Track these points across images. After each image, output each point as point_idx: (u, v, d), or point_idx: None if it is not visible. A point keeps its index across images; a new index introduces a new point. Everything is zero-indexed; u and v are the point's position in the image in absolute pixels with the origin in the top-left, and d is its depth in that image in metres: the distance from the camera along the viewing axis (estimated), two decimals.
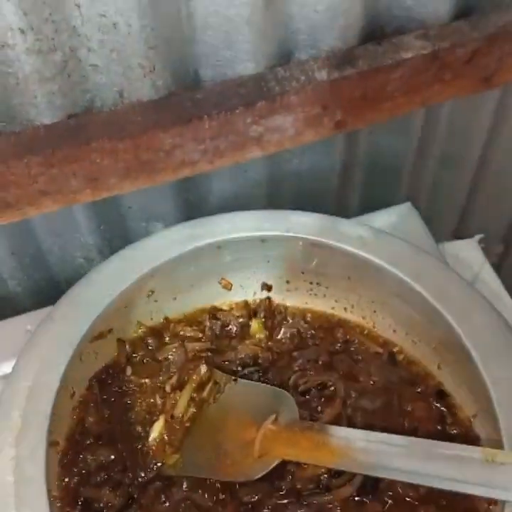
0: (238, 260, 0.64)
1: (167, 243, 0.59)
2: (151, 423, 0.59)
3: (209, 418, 0.59)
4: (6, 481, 0.45)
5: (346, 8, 0.72)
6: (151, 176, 0.75)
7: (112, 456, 0.55)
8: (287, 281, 0.69)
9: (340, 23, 0.73)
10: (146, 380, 0.61)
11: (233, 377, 0.62)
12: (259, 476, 0.55)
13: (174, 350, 0.62)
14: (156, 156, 0.73)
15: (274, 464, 0.56)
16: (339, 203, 0.97)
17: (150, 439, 0.58)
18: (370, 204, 0.97)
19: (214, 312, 0.67)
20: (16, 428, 0.47)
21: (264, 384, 0.62)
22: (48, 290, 0.90)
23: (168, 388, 0.60)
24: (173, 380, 0.60)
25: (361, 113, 0.77)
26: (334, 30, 0.74)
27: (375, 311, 0.67)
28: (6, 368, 0.66)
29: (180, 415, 0.59)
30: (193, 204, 0.89)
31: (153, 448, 0.57)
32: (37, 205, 0.72)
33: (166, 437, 0.58)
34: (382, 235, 0.62)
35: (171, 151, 0.73)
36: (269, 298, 0.70)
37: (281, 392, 0.60)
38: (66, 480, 0.52)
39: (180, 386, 0.61)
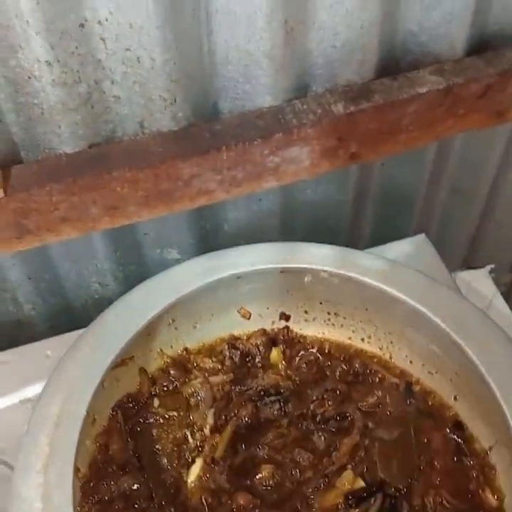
0: (257, 290, 0.65)
1: (190, 274, 0.60)
2: (179, 457, 0.60)
3: None
4: (35, 507, 0.46)
5: (363, 43, 0.73)
6: (169, 205, 0.76)
7: (136, 485, 0.56)
8: (305, 311, 0.70)
9: (357, 57, 0.75)
10: (174, 413, 0.62)
11: None
12: None
13: (199, 386, 0.63)
14: (175, 185, 0.74)
15: None
16: (351, 233, 0.98)
17: (188, 482, 0.59)
18: (382, 234, 0.98)
19: (233, 341, 0.68)
20: (44, 455, 0.47)
21: None
22: (62, 315, 0.91)
23: (207, 431, 0.60)
24: (210, 420, 0.61)
25: (376, 145, 0.78)
26: (351, 65, 0.75)
27: (391, 342, 0.67)
28: (27, 392, 0.67)
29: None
30: (207, 232, 0.90)
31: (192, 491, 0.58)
32: (57, 231, 0.73)
33: (204, 480, 0.58)
34: (399, 267, 0.63)
35: (189, 181, 0.74)
36: (287, 327, 0.71)
37: None
38: (87, 506, 0.53)
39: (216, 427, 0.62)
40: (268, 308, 0.69)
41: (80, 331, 0.72)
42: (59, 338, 0.74)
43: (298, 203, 0.91)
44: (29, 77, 0.65)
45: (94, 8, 0.62)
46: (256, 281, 0.63)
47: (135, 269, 0.91)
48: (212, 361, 0.66)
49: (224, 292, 0.62)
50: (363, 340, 0.69)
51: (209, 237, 0.91)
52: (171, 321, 0.64)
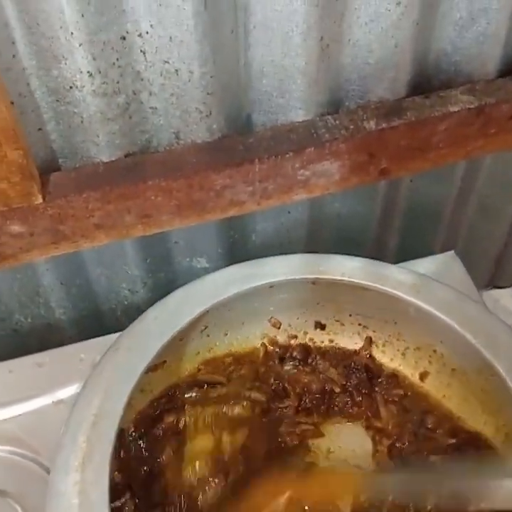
0: (289, 300, 0.66)
1: (225, 281, 0.62)
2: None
3: None
4: (72, 503, 0.47)
5: (396, 61, 0.74)
6: (201, 214, 0.77)
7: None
8: (336, 321, 0.71)
9: (390, 75, 0.76)
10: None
11: None
12: None
13: (240, 406, 0.64)
14: (207, 196, 0.75)
15: None
16: (377, 246, 0.99)
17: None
18: (407, 249, 0.99)
19: (264, 350, 0.69)
20: (82, 453, 0.49)
21: None
22: (91, 320, 0.93)
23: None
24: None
25: (406, 162, 0.79)
26: (384, 82, 0.76)
27: (420, 358, 0.68)
28: (61, 394, 0.69)
29: None
30: (236, 242, 0.91)
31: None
32: (91, 238, 0.75)
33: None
34: (430, 282, 0.63)
35: (221, 192, 0.75)
36: (312, 339, 0.72)
37: None
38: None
39: None
40: (298, 318, 0.70)
41: (114, 336, 0.74)
42: (93, 341, 0.76)
43: (326, 216, 0.92)
44: (70, 87, 0.66)
45: (136, 21, 0.64)
46: (288, 292, 0.64)
47: (164, 276, 0.92)
48: (244, 369, 0.67)
49: (256, 301, 0.64)
50: (392, 359, 0.70)
51: (237, 247, 0.92)
52: (203, 328, 0.65)
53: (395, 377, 0.69)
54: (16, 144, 0.63)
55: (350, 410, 0.68)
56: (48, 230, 0.71)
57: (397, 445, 0.65)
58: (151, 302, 0.94)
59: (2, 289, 0.84)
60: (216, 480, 0.57)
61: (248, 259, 0.94)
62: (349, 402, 0.68)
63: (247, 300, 0.61)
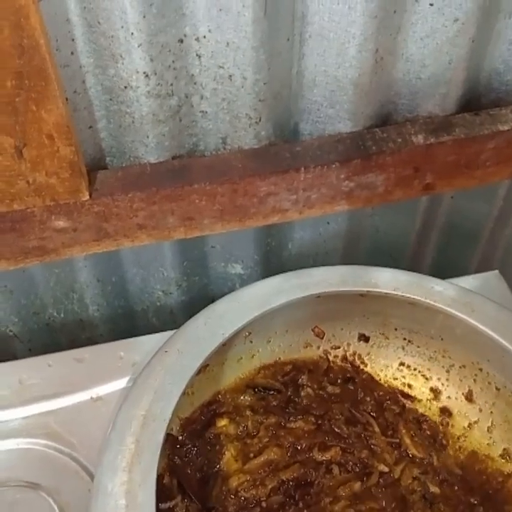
0: (334, 311, 0.66)
1: (274, 290, 0.61)
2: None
3: None
4: (119, 504, 0.47)
5: (449, 77, 0.74)
6: (243, 220, 0.77)
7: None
8: (381, 334, 0.71)
9: (441, 91, 0.76)
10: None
11: None
12: None
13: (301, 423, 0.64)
14: (250, 202, 0.75)
15: None
16: (412, 261, 0.99)
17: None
18: (443, 265, 0.99)
19: (307, 359, 0.69)
20: (130, 454, 0.49)
21: None
22: (123, 319, 0.93)
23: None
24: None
25: (451, 178, 0.79)
26: (434, 98, 0.76)
27: (465, 376, 0.68)
28: (99, 390, 0.69)
29: None
30: (272, 249, 0.91)
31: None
32: (133, 237, 0.75)
33: None
34: (484, 300, 0.63)
35: (265, 198, 0.75)
36: (355, 351, 0.72)
37: None
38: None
39: None
40: (342, 329, 0.70)
41: (154, 336, 0.74)
42: (132, 340, 0.76)
43: (364, 228, 0.92)
44: (125, 87, 0.67)
45: (195, 25, 0.64)
46: (334, 302, 0.64)
47: (198, 280, 0.92)
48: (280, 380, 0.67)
49: (302, 310, 0.63)
50: (439, 379, 0.70)
51: (272, 254, 0.92)
52: (247, 334, 0.65)
53: None
54: (69, 141, 0.63)
55: None
56: (91, 227, 0.72)
57: None
58: (183, 305, 0.95)
59: (39, 283, 0.84)
60: (272, 490, 0.57)
61: (283, 267, 0.94)
62: None
63: (293, 309, 0.61)
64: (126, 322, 0.94)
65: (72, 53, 0.63)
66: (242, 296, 0.61)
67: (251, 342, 0.67)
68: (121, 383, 0.70)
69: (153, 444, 0.49)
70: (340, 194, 0.78)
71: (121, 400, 0.53)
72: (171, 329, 0.80)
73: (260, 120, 0.73)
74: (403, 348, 0.70)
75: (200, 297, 0.95)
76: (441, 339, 0.67)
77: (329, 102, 0.74)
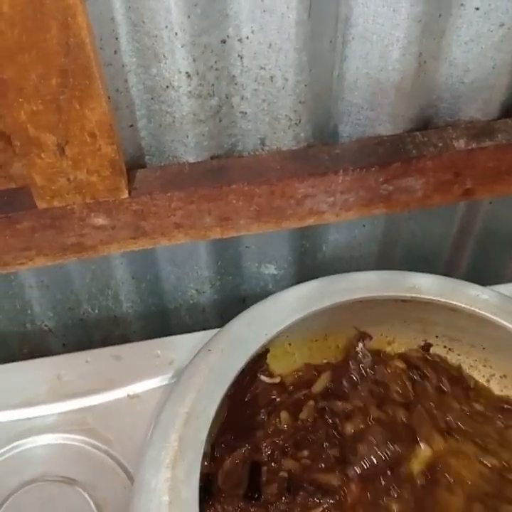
0: (374, 316, 0.66)
1: (318, 293, 0.61)
2: None
3: None
4: (163, 500, 0.47)
5: (492, 82, 0.73)
6: (279, 221, 0.77)
7: None
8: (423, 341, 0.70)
9: (484, 96, 0.75)
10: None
11: None
12: None
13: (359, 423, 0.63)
14: (287, 203, 0.75)
15: None
16: (447, 267, 0.98)
17: None
18: (478, 272, 0.98)
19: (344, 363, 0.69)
20: (173, 451, 0.49)
21: None
22: (156, 316, 0.94)
23: None
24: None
25: (492, 184, 0.78)
26: (476, 102, 0.75)
27: (505, 386, 0.67)
28: (136, 388, 0.69)
29: None
30: (306, 251, 0.91)
31: None
32: (169, 236, 0.75)
33: None
34: None
35: (302, 200, 0.75)
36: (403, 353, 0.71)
37: None
38: None
39: None
40: (382, 334, 0.69)
41: (190, 335, 0.75)
42: (171, 339, 0.76)
43: (400, 232, 0.91)
44: (167, 87, 0.67)
45: (238, 26, 0.64)
46: (375, 307, 0.64)
47: (231, 279, 0.93)
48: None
49: (342, 314, 0.63)
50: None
51: (307, 256, 0.92)
52: (286, 336, 0.65)
53: None
54: (111, 139, 0.64)
55: None
56: (129, 225, 0.72)
57: None
58: (216, 304, 0.96)
59: (75, 278, 0.85)
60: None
61: (316, 270, 0.94)
62: None
63: (333, 312, 0.61)
64: (159, 320, 0.94)
65: (115, 52, 0.64)
66: (284, 297, 0.61)
67: (289, 344, 0.67)
68: (158, 381, 0.71)
69: (197, 441, 0.49)
70: (378, 197, 0.77)
71: (162, 398, 0.54)
72: (203, 328, 0.81)
73: (300, 122, 0.73)
74: (445, 356, 0.69)
75: (232, 296, 0.95)
76: (483, 348, 0.66)
77: (370, 104, 0.74)
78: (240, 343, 0.56)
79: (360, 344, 0.66)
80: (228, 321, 0.62)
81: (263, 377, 0.66)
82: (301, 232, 0.87)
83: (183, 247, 0.84)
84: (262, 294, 0.92)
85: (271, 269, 0.92)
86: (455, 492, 0.59)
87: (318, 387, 0.67)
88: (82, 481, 0.63)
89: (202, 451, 0.49)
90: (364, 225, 0.89)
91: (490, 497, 0.58)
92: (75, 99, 0.59)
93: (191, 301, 0.94)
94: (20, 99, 0.57)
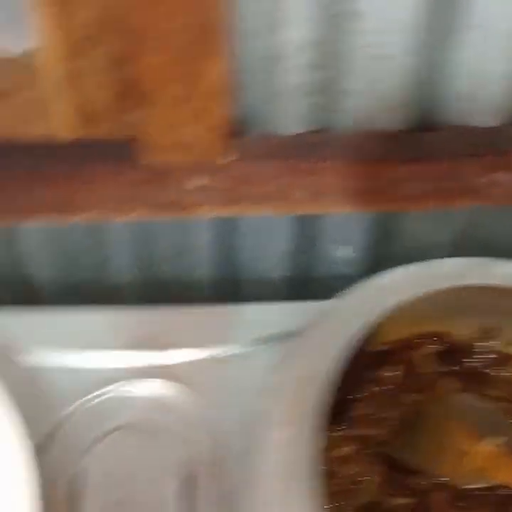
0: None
1: (414, 279, 0.62)
2: None
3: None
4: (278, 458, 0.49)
5: None
6: (370, 203, 0.77)
7: None
8: None
9: None
10: None
11: None
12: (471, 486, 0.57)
13: None
14: (381, 186, 0.75)
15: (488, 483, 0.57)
16: None
17: None
18: None
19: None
20: (287, 412, 0.50)
21: None
22: (229, 284, 0.95)
23: None
24: None
25: None
26: None
27: None
28: (215, 351, 0.72)
29: None
30: (385, 235, 0.91)
31: None
32: (259, 206, 0.76)
33: None
34: None
35: (396, 184, 0.75)
36: None
37: None
38: None
39: None
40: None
41: (278, 305, 0.76)
42: (260, 305, 0.80)
43: (484, 224, 0.90)
44: (279, 57, 0.67)
45: (356, 1, 0.64)
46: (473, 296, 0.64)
47: (305, 258, 0.93)
48: None
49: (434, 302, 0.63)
50: None
51: (384, 241, 0.92)
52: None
53: None
54: (225, 102, 0.65)
55: None
56: (225, 190, 0.73)
57: None
58: (286, 280, 0.96)
59: (158, 237, 0.86)
60: None
61: (393, 256, 0.94)
62: None
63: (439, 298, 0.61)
64: (231, 288, 0.95)
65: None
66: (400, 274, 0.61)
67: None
68: (237, 347, 0.73)
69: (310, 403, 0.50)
70: (472, 190, 0.77)
71: (271, 361, 0.54)
72: (271, 301, 0.83)
73: (404, 104, 0.73)
74: None
75: (303, 275, 0.95)
76: None
77: (474, 95, 0.74)
78: (355, 314, 0.56)
79: None
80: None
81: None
82: (383, 217, 0.87)
83: (263, 220, 0.85)
84: (336, 276, 0.93)
85: (348, 252, 0.92)
86: None
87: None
88: (166, 433, 0.65)
89: (319, 410, 0.49)
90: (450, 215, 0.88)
91: None
92: (201, 55, 0.60)
93: (264, 274, 0.95)
94: (151, 48, 0.58)
